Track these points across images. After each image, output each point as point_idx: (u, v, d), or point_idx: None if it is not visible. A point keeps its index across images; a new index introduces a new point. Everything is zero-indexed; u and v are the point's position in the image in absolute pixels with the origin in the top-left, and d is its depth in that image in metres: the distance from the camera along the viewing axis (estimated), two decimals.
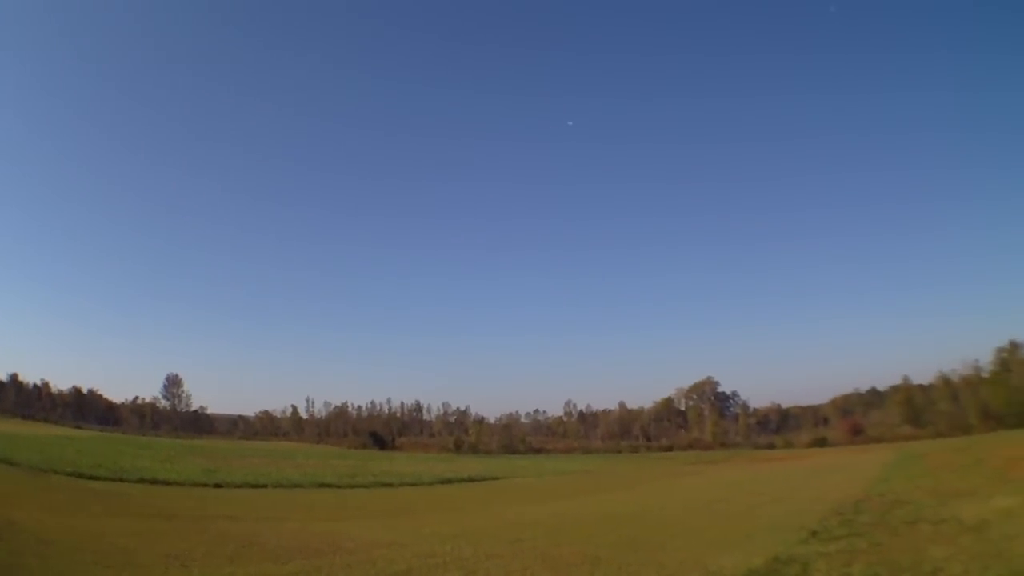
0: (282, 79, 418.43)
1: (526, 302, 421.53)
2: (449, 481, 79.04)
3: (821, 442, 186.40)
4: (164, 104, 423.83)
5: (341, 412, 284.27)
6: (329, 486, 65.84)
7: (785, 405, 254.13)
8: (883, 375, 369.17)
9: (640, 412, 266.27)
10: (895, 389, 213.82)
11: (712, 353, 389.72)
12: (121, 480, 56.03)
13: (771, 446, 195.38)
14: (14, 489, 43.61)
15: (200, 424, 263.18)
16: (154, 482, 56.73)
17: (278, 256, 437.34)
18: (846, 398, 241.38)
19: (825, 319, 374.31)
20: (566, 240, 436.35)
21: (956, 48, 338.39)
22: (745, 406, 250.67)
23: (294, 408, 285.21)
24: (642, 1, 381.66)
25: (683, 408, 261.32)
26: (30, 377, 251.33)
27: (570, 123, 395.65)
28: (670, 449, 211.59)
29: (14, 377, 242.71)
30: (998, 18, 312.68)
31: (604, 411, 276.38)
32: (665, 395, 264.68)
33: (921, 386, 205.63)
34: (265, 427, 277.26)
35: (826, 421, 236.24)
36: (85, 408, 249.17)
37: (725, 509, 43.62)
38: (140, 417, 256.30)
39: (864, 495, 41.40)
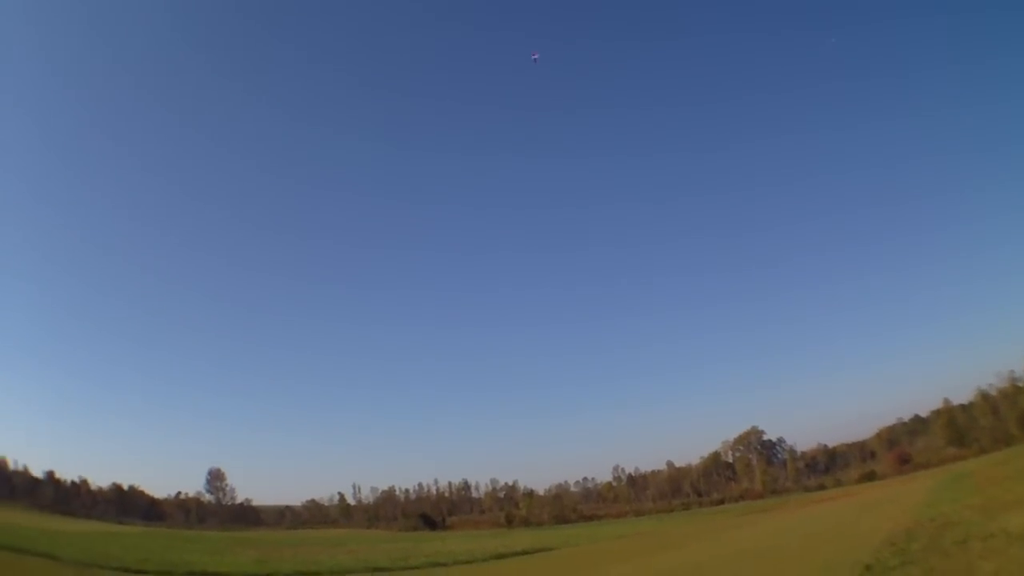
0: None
1: (567, 373, 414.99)
2: (502, 556, 77.02)
3: (870, 476, 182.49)
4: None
5: (389, 496, 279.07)
6: (382, 570, 64.45)
7: (832, 444, 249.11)
8: (925, 400, 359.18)
9: (689, 469, 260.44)
10: (937, 413, 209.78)
11: (754, 401, 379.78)
12: (170, 574, 55.43)
13: (821, 487, 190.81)
14: None
15: (247, 516, 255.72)
16: (204, 575, 56.37)
17: (312, 345, 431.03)
18: (891, 429, 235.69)
19: (861, 351, 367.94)
20: (601, 305, 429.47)
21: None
22: (792, 451, 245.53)
23: (341, 495, 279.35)
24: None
25: (731, 460, 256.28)
26: (68, 475, 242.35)
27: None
28: (721, 502, 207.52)
29: (50, 474, 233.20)
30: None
31: (653, 472, 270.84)
32: (712, 449, 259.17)
33: (962, 406, 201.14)
34: (313, 515, 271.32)
35: (873, 455, 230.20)
36: (127, 504, 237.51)
37: (779, 555, 42.87)
38: (185, 512, 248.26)
39: (914, 522, 40.59)
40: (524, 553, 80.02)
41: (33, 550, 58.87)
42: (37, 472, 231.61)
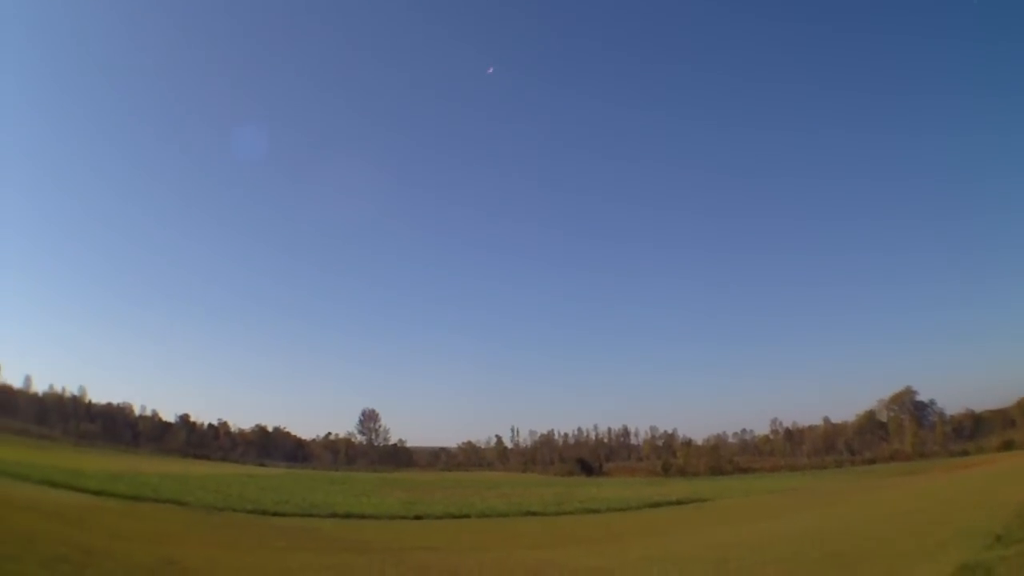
0: None
1: (734, 328, 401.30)
2: (657, 505, 73.50)
3: (1008, 445, 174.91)
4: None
5: (547, 440, 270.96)
6: (534, 514, 60.88)
7: (978, 410, 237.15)
8: None
9: (844, 426, 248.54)
10: None
11: (908, 359, 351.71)
12: (310, 515, 51.52)
13: (965, 452, 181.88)
14: (179, 529, 38.90)
15: (399, 457, 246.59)
16: (348, 516, 52.35)
17: (479, 286, 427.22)
18: None
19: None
20: (765, 251, 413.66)
21: None
22: (942, 414, 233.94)
23: (498, 438, 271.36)
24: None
25: (885, 420, 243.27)
26: (205, 418, 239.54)
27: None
28: (873, 462, 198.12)
29: (184, 418, 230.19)
30: None
31: (809, 427, 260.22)
32: (867, 407, 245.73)
33: None
34: (468, 458, 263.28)
35: (1013, 423, 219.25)
36: (270, 446, 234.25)
37: (922, 519, 42.50)
38: (333, 453, 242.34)
39: None
40: (678, 503, 76.88)
41: (154, 497, 54.60)
42: (169, 417, 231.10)
